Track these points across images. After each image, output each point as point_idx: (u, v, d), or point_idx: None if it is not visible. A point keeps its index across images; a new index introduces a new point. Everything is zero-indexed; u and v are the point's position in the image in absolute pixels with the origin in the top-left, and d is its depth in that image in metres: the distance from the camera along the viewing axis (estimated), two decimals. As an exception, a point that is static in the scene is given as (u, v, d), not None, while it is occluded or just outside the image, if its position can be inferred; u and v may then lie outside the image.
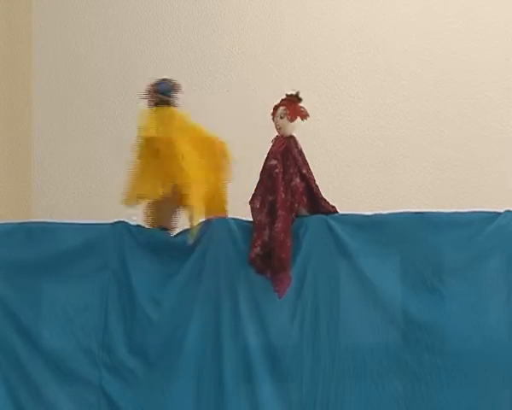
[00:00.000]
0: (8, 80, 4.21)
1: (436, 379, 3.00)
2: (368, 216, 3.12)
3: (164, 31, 4.46)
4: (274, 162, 3.11)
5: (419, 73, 4.35)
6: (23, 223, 3.22)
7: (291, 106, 3.16)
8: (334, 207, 3.15)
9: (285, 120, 3.15)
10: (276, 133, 3.18)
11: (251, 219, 3.14)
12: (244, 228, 3.13)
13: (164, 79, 3.26)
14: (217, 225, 3.14)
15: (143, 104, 3.26)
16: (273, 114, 3.19)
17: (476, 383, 2.99)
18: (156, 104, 3.25)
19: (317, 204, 3.13)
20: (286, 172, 3.10)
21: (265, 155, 4.27)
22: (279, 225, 3.03)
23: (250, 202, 3.14)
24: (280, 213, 3.05)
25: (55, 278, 3.14)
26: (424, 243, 3.06)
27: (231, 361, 3.05)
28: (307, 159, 3.19)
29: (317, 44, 4.39)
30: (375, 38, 4.36)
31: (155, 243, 3.14)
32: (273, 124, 4.17)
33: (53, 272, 3.14)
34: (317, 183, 3.17)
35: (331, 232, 3.10)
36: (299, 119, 3.17)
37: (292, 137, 3.16)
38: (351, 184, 4.17)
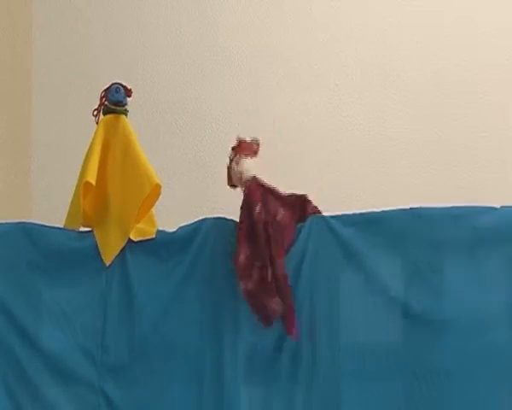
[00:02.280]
0: (7, 81, 4.21)
1: (436, 379, 3.00)
2: (366, 213, 3.11)
3: (164, 31, 4.46)
4: (259, 207, 2.99)
5: (419, 73, 4.35)
6: (22, 223, 3.20)
7: (237, 148, 3.08)
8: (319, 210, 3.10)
9: (240, 162, 3.05)
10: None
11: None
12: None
13: (116, 86, 3.21)
14: (215, 224, 3.14)
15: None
16: (228, 176, 3.12)
17: (476, 383, 2.99)
18: (104, 113, 3.23)
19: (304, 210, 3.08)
20: (268, 211, 3.01)
21: (262, 158, 4.29)
22: (284, 277, 2.98)
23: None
24: (278, 261, 2.98)
25: (53, 279, 3.13)
26: (425, 240, 3.06)
27: (231, 361, 3.05)
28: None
29: (317, 44, 4.39)
30: (375, 37, 4.36)
31: (153, 241, 3.14)
32: (273, 124, 4.19)
33: (52, 273, 3.14)
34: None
35: (331, 231, 3.09)
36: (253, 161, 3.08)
37: (253, 176, 3.07)
38: (350, 183, 4.17)
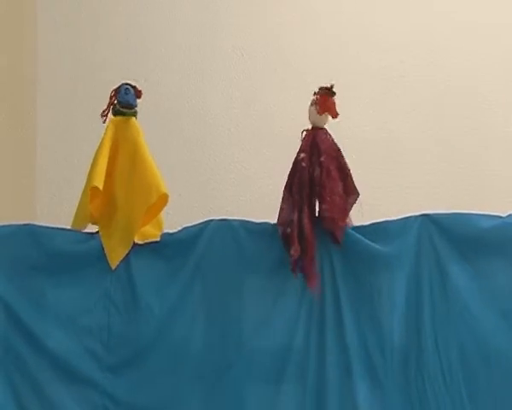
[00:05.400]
0: (11, 82, 4.21)
1: (439, 380, 3.00)
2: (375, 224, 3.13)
3: (168, 33, 4.47)
4: (302, 155, 3.06)
5: (422, 76, 4.35)
6: (27, 225, 3.21)
7: (322, 98, 3.10)
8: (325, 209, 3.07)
9: (313, 108, 3.10)
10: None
11: (255, 220, 3.15)
12: (247, 229, 3.13)
13: (125, 87, 3.19)
14: (220, 225, 3.14)
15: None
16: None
17: (476, 389, 3.01)
18: (114, 114, 3.21)
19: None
20: (311, 164, 3.05)
21: (266, 158, 4.29)
22: (308, 224, 3.01)
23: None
24: (306, 210, 3.02)
25: (58, 280, 3.13)
26: (428, 242, 3.08)
27: (235, 362, 3.05)
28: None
29: (320, 45, 4.39)
30: (379, 39, 4.36)
31: (158, 242, 3.14)
32: (274, 124, 4.19)
33: (57, 274, 3.14)
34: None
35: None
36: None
37: (322, 129, 3.11)
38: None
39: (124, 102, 3.18)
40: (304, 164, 3.05)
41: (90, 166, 3.20)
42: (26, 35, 4.39)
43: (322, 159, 3.06)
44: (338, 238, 3.04)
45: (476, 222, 3.07)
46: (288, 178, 3.09)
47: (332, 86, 3.11)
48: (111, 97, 3.20)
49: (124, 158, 3.18)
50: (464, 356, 3.01)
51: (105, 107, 3.22)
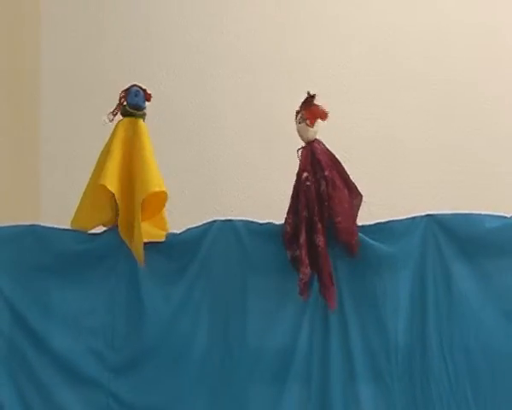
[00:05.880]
0: (15, 83, 4.21)
1: (444, 381, 3.01)
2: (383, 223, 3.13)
3: (171, 34, 4.47)
4: (305, 175, 3.05)
5: (425, 76, 4.34)
6: (32, 225, 3.21)
7: (308, 109, 3.08)
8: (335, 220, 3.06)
9: (303, 125, 3.09)
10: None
11: (259, 221, 3.15)
12: (251, 229, 3.13)
13: (135, 89, 3.19)
14: (224, 226, 3.14)
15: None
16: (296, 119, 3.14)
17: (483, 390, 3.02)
18: (122, 114, 3.20)
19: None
20: (316, 180, 3.05)
21: (271, 158, 4.29)
22: (322, 242, 3.00)
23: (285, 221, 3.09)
24: (319, 226, 3.01)
25: (63, 280, 3.15)
26: (433, 243, 3.08)
27: (239, 363, 3.06)
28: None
29: (323, 46, 4.39)
30: (382, 40, 4.36)
31: (162, 242, 3.14)
32: (278, 125, 4.18)
33: (61, 274, 3.15)
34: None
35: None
36: (319, 121, 3.09)
37: (315, 140, 3.10)
38: (360, 187, 4.17)
39: (133, 103, 3.17)
40: (308, 183, 3.04)
41: (96, 167, 3.19)
42: (30, 35, 4.39)
43: (326, 173, 3.05)
44: (353, 250, 3.05)
45: (481, 222, 3.07)
46: (292, 199, 3.09)
47: (309, 93, 3.08)
48: (120, 98, 3.19)
49: (133, 161, 3.15)
50: (469, 357, 3.01)
51: (109, 106, 3.21)
